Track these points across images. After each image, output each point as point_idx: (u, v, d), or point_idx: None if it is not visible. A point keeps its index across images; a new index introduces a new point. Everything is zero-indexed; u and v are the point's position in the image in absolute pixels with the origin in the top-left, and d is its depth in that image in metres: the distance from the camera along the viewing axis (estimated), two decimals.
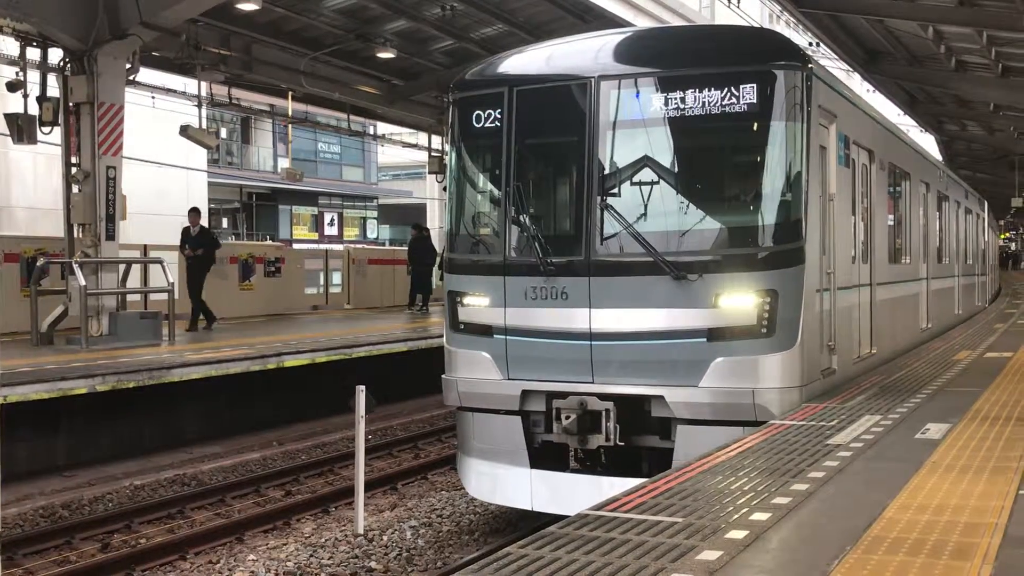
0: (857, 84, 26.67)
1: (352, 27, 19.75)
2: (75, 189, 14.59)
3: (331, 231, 48.88)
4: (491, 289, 8.55)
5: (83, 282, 13.88)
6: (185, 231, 17.70)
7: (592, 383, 8.10)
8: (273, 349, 14.31)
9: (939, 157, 29.76)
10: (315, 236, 47.44)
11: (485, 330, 8.58)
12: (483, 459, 8.73)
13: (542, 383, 8.29)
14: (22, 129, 14.88)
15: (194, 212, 17.77)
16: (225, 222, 44.56)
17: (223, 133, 42.30)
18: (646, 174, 8.17)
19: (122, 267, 15.41)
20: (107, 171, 14.55)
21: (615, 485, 7.41)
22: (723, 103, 7.88)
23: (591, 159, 8.19)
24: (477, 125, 8.76)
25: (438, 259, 22.56)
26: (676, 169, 8.32)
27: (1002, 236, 62.91)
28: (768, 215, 7.95)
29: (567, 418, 8.02)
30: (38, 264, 15.13)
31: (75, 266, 14.07)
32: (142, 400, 12.54)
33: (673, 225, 8.04)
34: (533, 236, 8.39)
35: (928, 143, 31.21)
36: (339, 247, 33.36)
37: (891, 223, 12.38)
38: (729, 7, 24.56)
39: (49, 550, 9.00)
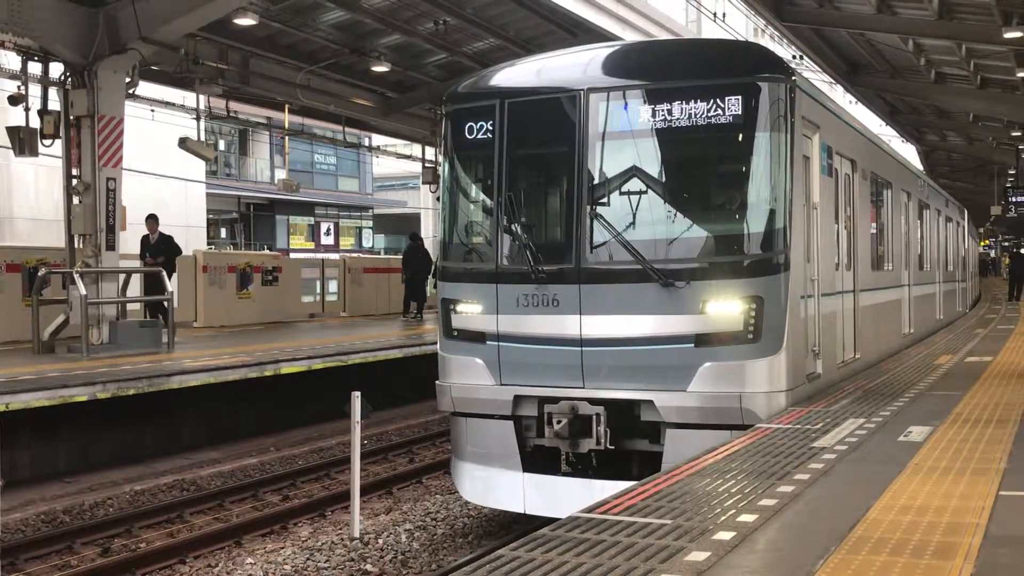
0: (840, 96, 26.76)
1: (347, 41, 19.77)
2: (76, 200, 14.54)
3: (327, 240, 48.81)
4: (484, 297, 8.55)
5: (84, 291, 13.84)
6: (144, 239, 17.04)
7: (583, 388, 8.10)
8: (270, 356, 14.27)
9: (920, 166, 29.87)
10: (312, 245, 47.37)
11: (478, 337, 8.57)
12: (477, 463, 8.71)
13: (534, 388, 8.29)
14: (24, 142, 14.83)
15: (152, 219, 17.11)
16: (223, 232, 44.48)
17: (221, 145, 42.24)
18: (634, 184, 8.18)
19: (122, 277, 15.37)
20: (107, 183, 14.50)
21: (606, 488, 7.41)
22: (709, 115, 7.91)
23: (581, 169, 8.21)
24: (470, 136, 8.77)
25: (432, 267, 22.59)
26: (663, 179, 8.35)
27: (982, 243, 63.11)
28: (753, 223, 7.97)
29: (559, 423, 8.02)
30: (39, 274, 15.08)
31: (76, 276, 14.02)
32: (142, 407, 12.49)
33: (661, 233, 8.05)
34: (524, 245, 8.39)
35: (909, 153, 31.32)
36: (335, 256, 33.33)
37: (873, 231, 12.41)
38: (715, 22, 24.64)
39: (50, 555, 8.96)
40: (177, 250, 17.51)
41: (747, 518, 4.84)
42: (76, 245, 14.76)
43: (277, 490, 11.42)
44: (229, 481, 11.81)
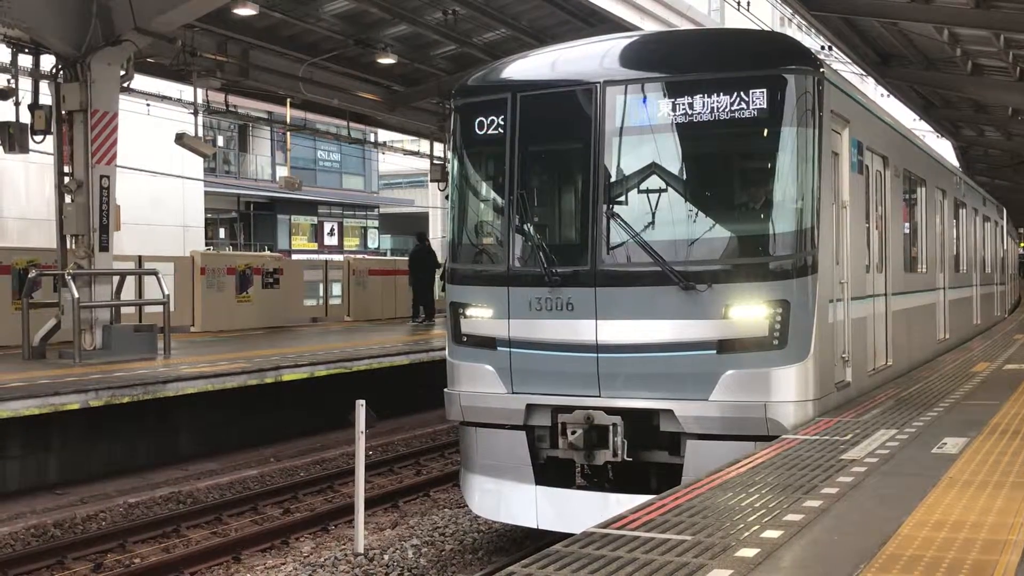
0: (871, 88, 26.71)
1: (352, 32, 19.82)
2: (68, 199, 14.62)
3: (331, 241, 48.94)
4: (494, 300, 8.56)
5: (76, 294, 13.90)
6: None
7: (599, 397, 8.09)
8: (271, 363, 14.31)
9: (956, 163, 29.75)
10: (314, 246, 47.51)
11: (488, 342, 8.58)
12: (487, 476, 8.72)
13: (547, 397, 8.29)
14: (13, 138, 14.91)
15: None
16: (222, 232, 44.64)
17: (220, 141, 42.41)
18: (653, 182, 8.18)
19: (116, 279, 15.43)
20: (101, 180, 14.57)
21: (622, 502, 7.42)
22: (732, 108, 7.89)
23: (597, 166, 8.20)
24: (480, 132, 8.78)
25: (439, 270, 22.60)
26: (684, 176, 8.34)
27: (1022, 244, 62.74)
28: (779, 223, 7.95)
29: (573, 433, 8.01)
30: (30, 276, 15.16)
31: (68, 278, 14.10)
32: (136, 416, 12.54)
33: (681, 234, 8.04)
34: (537, 245, 8.40)
35: (944, 149, 31.19)
36: (339, 257, 33.40)
37: (906, 231, 12.37)
38: (739, 10, 24.58)
39: (40, 570, 9.00)
40: None
41: (772, 534, 4.83)
42: (68, 246, 14.84)
43: (278, 503, 11.45)
44: (227, 494, 11.84)
